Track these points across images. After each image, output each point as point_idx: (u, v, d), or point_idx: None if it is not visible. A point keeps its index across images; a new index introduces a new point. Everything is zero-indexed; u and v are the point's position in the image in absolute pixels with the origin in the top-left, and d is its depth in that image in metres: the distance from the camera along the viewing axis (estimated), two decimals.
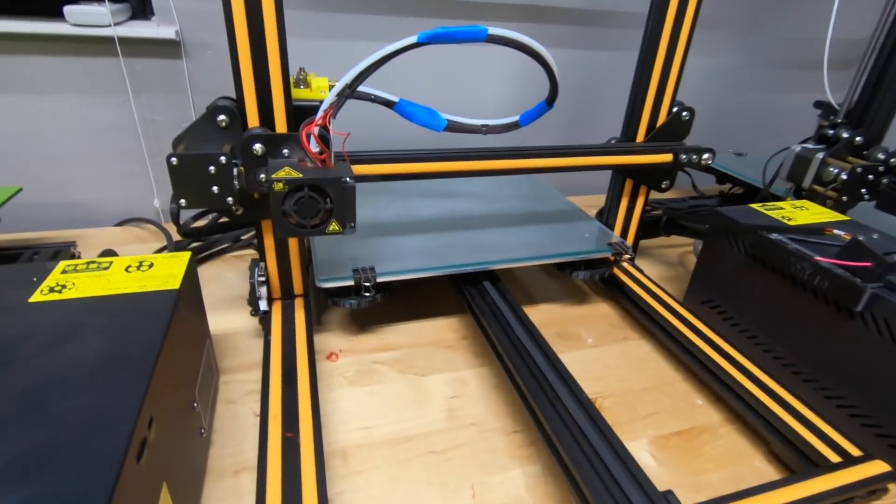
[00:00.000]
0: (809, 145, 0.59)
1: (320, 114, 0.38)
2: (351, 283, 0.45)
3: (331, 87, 0.42)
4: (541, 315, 0.57)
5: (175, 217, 0.41)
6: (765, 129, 1.02)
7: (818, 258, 0.40)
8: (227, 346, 0.49)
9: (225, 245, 0.65)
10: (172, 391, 0.31)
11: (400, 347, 0.51)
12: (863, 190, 0.55)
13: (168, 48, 0.65)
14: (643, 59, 0.50)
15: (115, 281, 0.35)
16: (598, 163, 0.52)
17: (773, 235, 0.46)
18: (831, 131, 0.58)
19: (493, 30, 0.37)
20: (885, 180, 0.55)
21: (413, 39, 0.37)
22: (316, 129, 0.38)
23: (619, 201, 0.56)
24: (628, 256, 0.53)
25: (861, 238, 0.39)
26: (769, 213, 0.52)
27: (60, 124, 0.65)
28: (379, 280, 0.46)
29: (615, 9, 0.80)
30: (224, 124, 0.40)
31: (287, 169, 0.37)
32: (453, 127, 0.48)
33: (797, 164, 0.58)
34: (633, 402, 0.46)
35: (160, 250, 0.61)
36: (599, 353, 0.52)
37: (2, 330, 0.29)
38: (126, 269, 0.36)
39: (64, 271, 0.36)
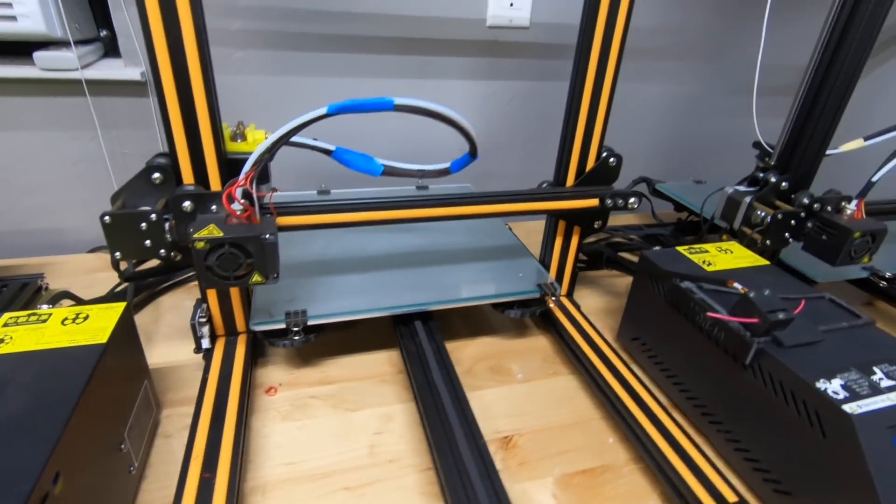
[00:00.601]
0: (741, 187, 0.61)
1: (242, 176, 0.41)
2: (282, 326, 0.48)
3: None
4: (479, 348, 0.60)
5: (115, 265, 0.44)
6: (733, 153, 1.04)
7: (709, 313, 0.43)
8: (174, 378, 0.53)
9: (189, 273, 0.69)
10: (93, 439, 0.35)
11: (337, 381, 0.54)
12: (787, 234, 0.57)
13: (135, 87, 0.68)
14: (569, 109, 0.53)
15: (49, 334, 0.38)
16: (528, 208, 0.54)
17: (685, 284, 0.49)
18: (762, 174, 0.60)
19: (399, 100, 0.40)
20: (809, 224, 0.57)
21: (323, 111, 0.39)
22: (238, 191, 0.41)
23: (554, 241, 0.59)
24: (554, 298, 0.55)
25: (752, 294, 0.42)
26: (692, 256, 0.54)
27: (34, 158, 0.69)
28: (310, 323, 0.49)
29: (564, 41, 0.82)
30: (158, 181, 0.43)
31: (211, 227, 0.40)
32: (390, 172, 0.51)
33: (728, 205, 0.60)
34: (548, 440, 0.48)
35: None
36: (527, 389, 0.54)
37: None
38: (62, 322, 0.39)
39: (6, 324, 0.39)
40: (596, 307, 0.68)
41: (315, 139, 0.49)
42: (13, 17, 0.57)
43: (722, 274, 0.50)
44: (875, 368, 0.39)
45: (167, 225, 0.42)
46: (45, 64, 0.62)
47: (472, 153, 0.49)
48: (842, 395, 0.36)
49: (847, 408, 0.35)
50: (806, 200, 0.56)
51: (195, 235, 0.39)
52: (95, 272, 0.69)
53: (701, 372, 0.48)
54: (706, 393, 0.47)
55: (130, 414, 0.41)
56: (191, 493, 0.37)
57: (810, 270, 0.62)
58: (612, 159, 0.54)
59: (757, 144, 0.63)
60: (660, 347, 0.53)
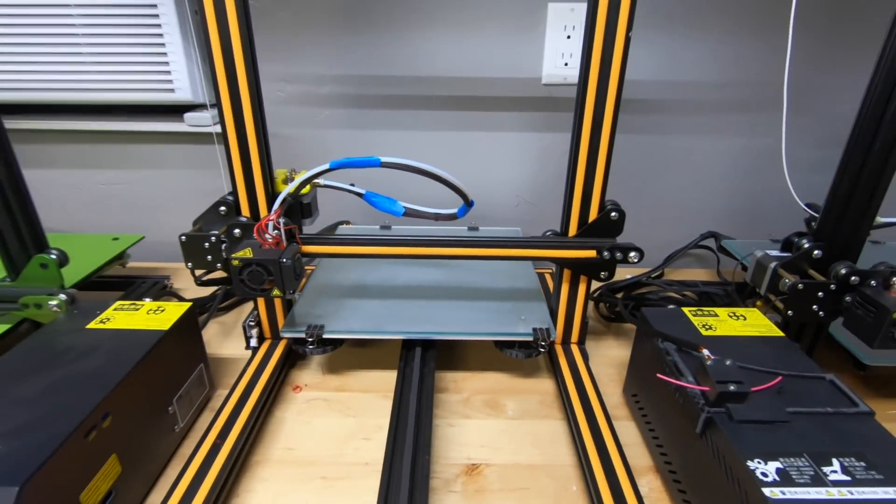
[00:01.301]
0: (774, 252, 0.57)
1: (273, 212, 0.53)
2: (303, 335, 0.59)
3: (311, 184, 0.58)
4: (483, 381, 0.64)
5: (192, 273, 0.59)
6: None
7: (658, 374, 0.42)
8: (235, 367, 0.65)
9: None
10: (143, 397, 0.48)
11: (352, 391, 0.62)
12: (815, 307, 0.52)
13: None
14: (570, 162, 0.56)
15: (136, 319, 0.53)
16: (531, 255, 0.58)
17: (664, 344, 0.48)
18: (796, 238, 0.55)
19: (386, 158, 0.48)
20: (848, 298, 0.51)
21: (326, 166, 0.50)
22: (269, 224, 0.53)
23: (560, 288, 0.61)
24: (544, 343, 0.58)
25: (710, 362, 0.41)
26: (694, 319, 0.53)
27: (178, 189, 0.92)
28: (325, 336, 0.59)
29: (628, 96, 0.83)
30: (223, 213, 0.57)
31: (247, 249, 0.53)
32: (411, 213, 0.60)
33: (757, 269, 0.57)
34: (513, 475, 0.51)
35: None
36: (511, 426, 0.57)
37: (63, 344, 0.49)
38: (148, 312, 0.54)
39: (115, 308, 0.55)
40: (619, 359, 0.68)
41: (352, 184, 0.60)
42: (172, 90, 0.79)
43: (702, 339, 0.48)
44: (835, 460, 0.35)
45: (224, 245, 0.56)
46: (191, 122, 0.83)
47: (467, 203, 0.55)
48: (771, 478, 0.34)
49: (768, 491, 0.33)
50: (843, 271, 0.51)
51: (233, 255, 0.51)
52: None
53: (673, 437, 0.47)
54: (676, 459, 0.46)
55: (182, 386, 0.54)
56: (203, 451, 0.48)
57: (859, 350, 0.54)
58: (613, 213, 0.56)
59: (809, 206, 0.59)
60: (649, 407, 0.52)
